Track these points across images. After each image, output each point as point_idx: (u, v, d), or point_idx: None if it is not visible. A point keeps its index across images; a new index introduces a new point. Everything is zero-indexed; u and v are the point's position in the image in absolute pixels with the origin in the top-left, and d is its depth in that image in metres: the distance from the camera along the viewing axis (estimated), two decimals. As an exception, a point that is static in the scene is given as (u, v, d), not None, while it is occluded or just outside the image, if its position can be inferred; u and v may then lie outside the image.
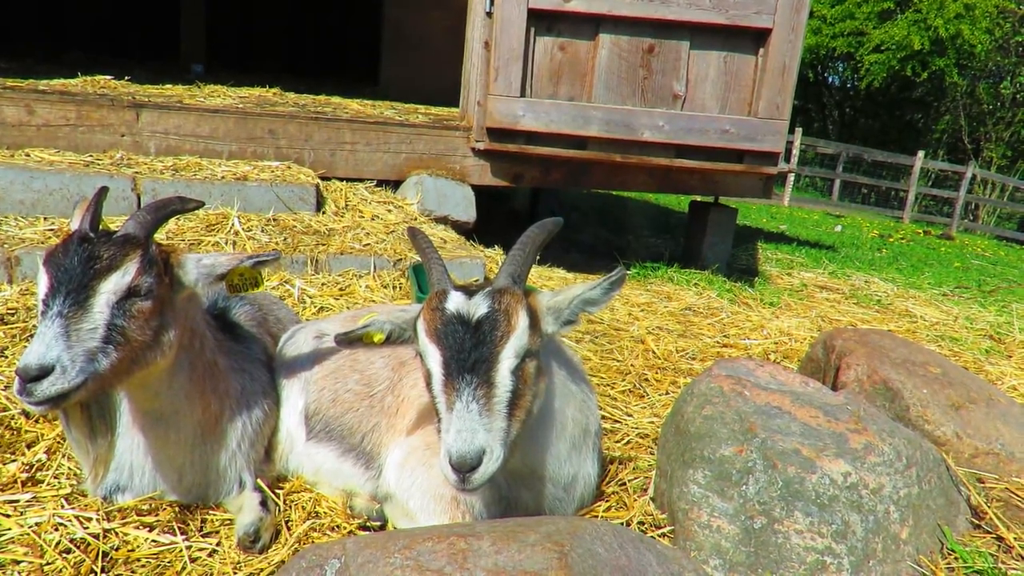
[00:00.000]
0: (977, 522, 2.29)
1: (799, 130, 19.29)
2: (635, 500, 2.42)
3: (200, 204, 2.07)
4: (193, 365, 2.01)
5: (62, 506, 2.13)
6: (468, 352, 1.68)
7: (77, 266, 1.69)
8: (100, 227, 1.83)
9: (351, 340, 1.97)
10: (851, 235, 13.72)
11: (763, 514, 2.00)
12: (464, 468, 1.58)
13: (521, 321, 1.74)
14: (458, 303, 1.74)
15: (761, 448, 2.10)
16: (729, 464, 2.11)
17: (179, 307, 1.91)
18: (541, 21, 5.13)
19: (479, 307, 1.73)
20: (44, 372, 1.58)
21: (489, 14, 5.14)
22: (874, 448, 2.10)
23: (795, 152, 18.97)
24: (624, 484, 2.57)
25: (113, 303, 1.72)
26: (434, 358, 1.72)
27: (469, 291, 1.79)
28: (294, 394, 2.43)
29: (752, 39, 5.30)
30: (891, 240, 13.95)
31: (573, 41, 5.19)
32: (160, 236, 4.14)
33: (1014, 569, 2.08)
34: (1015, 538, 2.21)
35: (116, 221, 4.32)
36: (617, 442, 2.96)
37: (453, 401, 1.65)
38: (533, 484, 2.08)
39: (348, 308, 3.91)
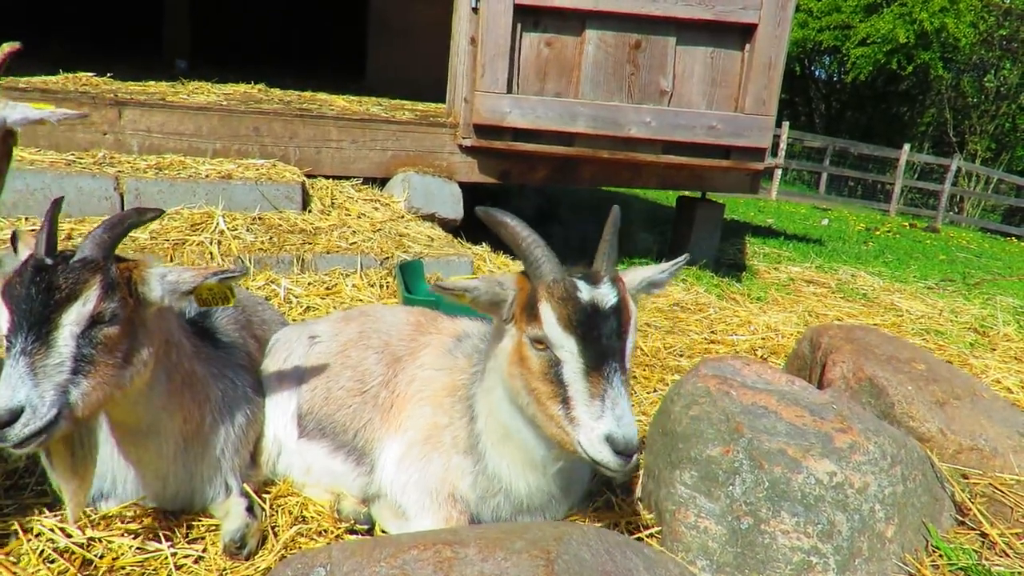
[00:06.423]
0: (961, 519, 2.31)
1: (786, 124, 19.35)
2: (623, 500, 2.43)
3: (159, 213, 2.00)
4: (170, 376, 1.98)
5: (44, 513, 2.11)
6: (607, 341, 1.74)
7: (36, 298, 1.64)
8: (57, 249, 1.76)
9: (445, 288, 1.93)
10: (838, 228, 13.79)
11: (750, 514, 2.01)
12: (630, 452, 1.65)
13: (634, 306, 1.87)
14: (591, 293, 1.79)
15: (747, 448, 2.10)
16: (716, 464, 2.11)
17: (150, 323, 1.86)
18: (527, 17, 5.11)
19: (608, 296, 1.79)
20: (14, 416, 1.55)
21: (475, 9, 5.11)
22: (859, 447, 2.11)
23: (782, 146, 19.04)
24: (609, 483, 2.57)
25: (77, 334, 1.67)
26: (571, 348, 1.74)
27: (587, 277, 1.83)
28: (284, 396, 2.41)
29: (738, 34, 5.30)
30: (877, 233, 14.04)
31: (559, 37, 5.17)
32: (144, 236, 4.10)
33: (997, 566, 2.10)
34: (998, 534, 2.23)
35: (96, 221, 4.27)
36: (605, 441, 2.95)
37: (602, 389, 1.70)
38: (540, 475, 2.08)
39: (335, 308, 3.89)
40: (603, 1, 5.02)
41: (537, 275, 1.84)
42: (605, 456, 1.66)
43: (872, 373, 2.82)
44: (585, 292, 1.78)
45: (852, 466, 2.06)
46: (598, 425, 1.67)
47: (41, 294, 1.66)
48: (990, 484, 2.46)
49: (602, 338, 1.73)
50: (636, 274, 2.02)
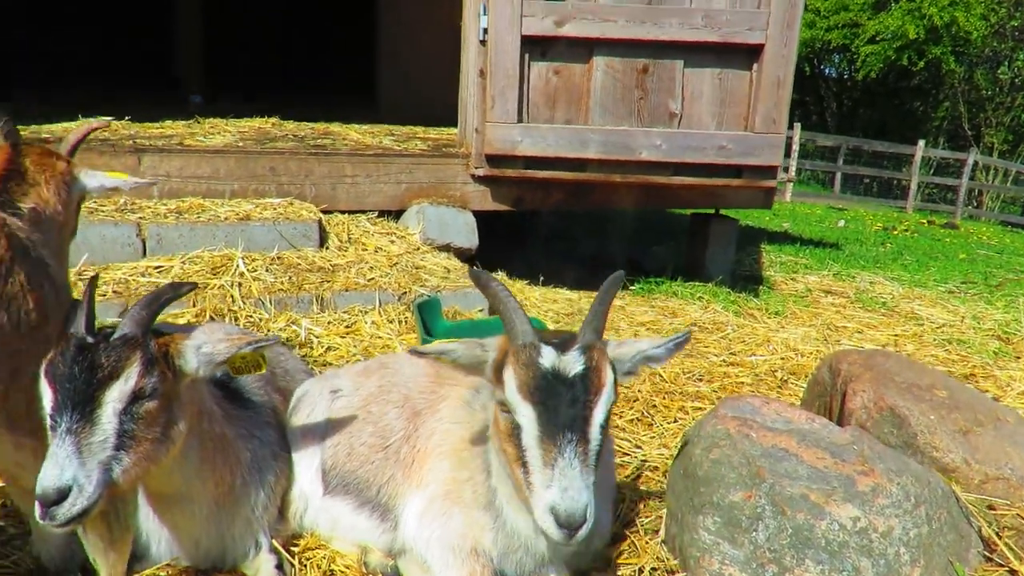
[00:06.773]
0: (989, 555, 2.30)
1: (798, 124, 19.23)
2: (647, 543, 2.44)
3: (194, 286, 2.08)
4: (202, 443, 2.03)
5: (82, 579, 2.17)
6: (566, 409, 1.73)
7: (79, 377, 1.69)
8: (96, 326, 1.81)
9: (424, 353, 1.98)
10: (854, 230, 13.68)
11: (774, 562, 2.02)
12: (573, 526, 1.63)
13: (609, 377, 1.82)
14: (553, 360, 1.78)
15: (769, 494, 2.12)
16: (738, 510, 2.13)
17: (184, 395, 1.92)
18: (535, 47, 5.16)
19: (574, 364, 1.78)
20: (62, 495, 1.59)
21: (483, 42, 5.18)
22: (882, 490, 2.11)
23: (795, 147, 18.93)
24: (633, 524, 2.59)
25: (120, 411, 1.72)
26: (527, 414, 1.75)
27: (559, 344, 1.83)
28: (309, 452, 2.46)
29: (745, 55, 5.31)
30: (895, 232, 13.91)
31: (568, 65, 5.21)
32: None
33: (1027, 604, 2.09)
34: (1027, 570, 2.22)
35: (122, 268, 4.36)
36: (627, 477, 2.97)
37: (553, 458, 1.69)
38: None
39: (355, 347, 3.94)
40: (609, 28, 5.06)
41: (511, 338, 1.87)
42: (548, 526, 1.66)
43: (893, 403, 2.81)
44: (547, 359, 1.77)
45: (875, 510, 2.07)
46: (545, 494, 1.67)
47: (84, 372, 1.70)
48: (1017, 515, 2.45)
49: (560, 407, 1.72)
50: (632, 347, 1.99)
